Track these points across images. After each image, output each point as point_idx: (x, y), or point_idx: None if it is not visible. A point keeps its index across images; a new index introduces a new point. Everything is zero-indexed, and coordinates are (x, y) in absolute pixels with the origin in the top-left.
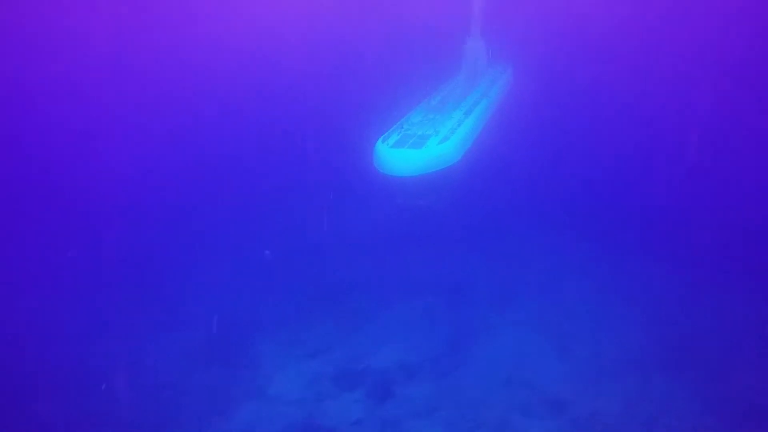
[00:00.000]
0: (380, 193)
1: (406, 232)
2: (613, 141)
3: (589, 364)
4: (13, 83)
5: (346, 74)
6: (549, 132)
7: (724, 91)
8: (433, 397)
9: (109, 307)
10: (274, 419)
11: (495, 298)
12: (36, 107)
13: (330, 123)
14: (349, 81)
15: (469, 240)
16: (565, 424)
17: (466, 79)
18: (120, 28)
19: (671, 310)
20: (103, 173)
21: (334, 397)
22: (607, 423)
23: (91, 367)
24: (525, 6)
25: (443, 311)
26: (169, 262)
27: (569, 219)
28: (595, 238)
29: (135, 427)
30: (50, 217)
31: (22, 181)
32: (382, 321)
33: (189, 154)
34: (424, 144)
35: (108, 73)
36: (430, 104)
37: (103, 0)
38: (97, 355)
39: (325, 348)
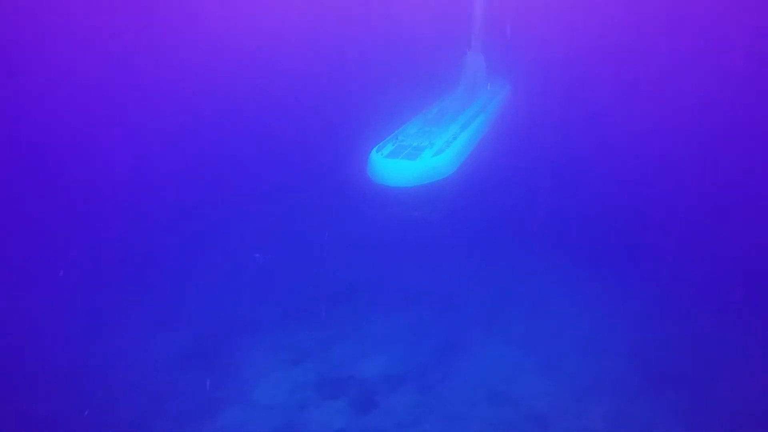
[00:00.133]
0: (373, 203)
1: (397, 243)
2: (610, 160)
3: (574, 382)
4: (13, 83)
5: (346, 80)
6: (546, 150)
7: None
8: (417, 409)
9: (103, 308)
10: (254, 426)
11: (483, 312)
12: (35, 107)
13: (326, 128)
14: (347, 88)
15: (460, 253)
16: None
17: (464, 93)
18: (120, 27)
19: (662, 332)
20: (103, 173)
21: (317, 405)
22: None
23: (67, 368)
24: (527, 23)
25: (431, 323)
26: (158, 264)
27: (562, 237)
28: (588, 256)
29: (111, 428)
30: (50, 217)
31: (22, 180)
32: (369, 330)
33: (189, 153)
34: (418, 155)
35: (108, 73)
36: (427, 116)
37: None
38: (76, 356)
39: (309, 355)
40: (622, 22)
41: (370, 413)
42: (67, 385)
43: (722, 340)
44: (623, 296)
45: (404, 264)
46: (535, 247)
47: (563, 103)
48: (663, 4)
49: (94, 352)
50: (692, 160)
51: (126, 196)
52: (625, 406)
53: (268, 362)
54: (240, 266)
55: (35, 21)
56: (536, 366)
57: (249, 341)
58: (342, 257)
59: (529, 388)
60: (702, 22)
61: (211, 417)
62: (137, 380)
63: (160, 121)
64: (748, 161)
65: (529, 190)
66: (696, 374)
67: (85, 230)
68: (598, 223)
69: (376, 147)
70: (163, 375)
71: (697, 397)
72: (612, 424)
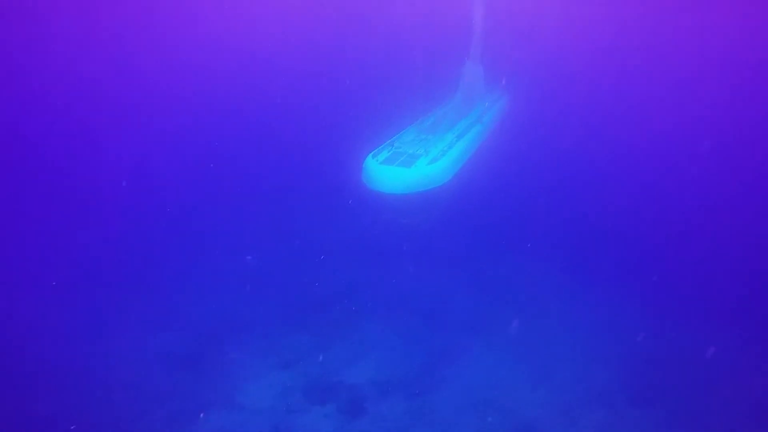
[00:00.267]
0: (367, 209)
1: (389, 249)
2: (607, 173)
3: (565, 392)
4: (13, 83)
5: (345, 85)
6: (542, 160)
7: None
8: (406, 416)
9: (97, 308)
10: (240, 430)
11: (475, 320)
12: (35, 107)
13: (324, 131)
14: (346, 93)
15: (452, 261)
16: None
17: (461, 103)
18: (120, 27)
19: (655, 343)
20: (102, 173)
21: (305, 410)
22: None
23: (64, 368)
24: (526, 34)
25: (421, 330)
26: (158, 264)
27: (555, 246)
28: (582, 266)
29: (95, 427)
30: (50, 217)
31: (22, 180)
32: (359, 336)
33: (186, 154)
34: (413, 163)
35: (108, 73)
36: (424, 125)
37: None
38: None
39: (298, 359)
40: (623, 31)
41: (358, 419)
42: (64, 385)
43: (714, 353)
44: (616, 307)
45: (396, 270)
46: (528, 256)
47: (561, 114)
48: (660, 13)
49: (93, 352)
50: (690, 172)
51: (125, 197)
52: (615, 416)
53: (257, 366)
54: (233, 268)
55: (35, 21)
56: (527, 375)
57: (239, 344)
58: (335, 262)
59: (520, 397)
60: (702, 23)
61: (196, 421)
62: (131, 380)
63: (158, 122)
64: (748, 173)
65: (524, 199)
66: (688, 386)
67: (85, 230)
68: (591, 234)
69: (372, 153)
70: (156, 376)
71: (689, 410)
72: None
